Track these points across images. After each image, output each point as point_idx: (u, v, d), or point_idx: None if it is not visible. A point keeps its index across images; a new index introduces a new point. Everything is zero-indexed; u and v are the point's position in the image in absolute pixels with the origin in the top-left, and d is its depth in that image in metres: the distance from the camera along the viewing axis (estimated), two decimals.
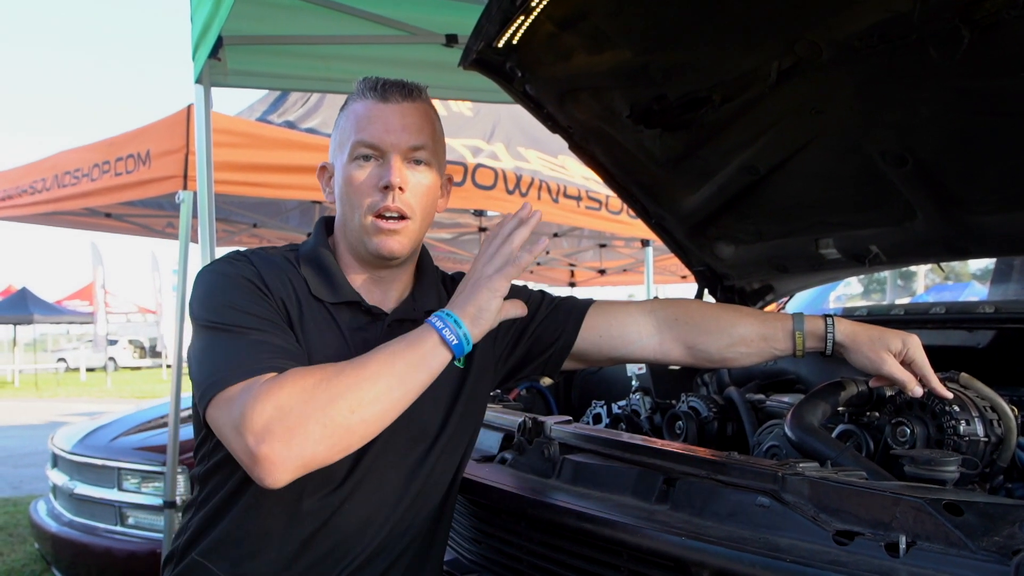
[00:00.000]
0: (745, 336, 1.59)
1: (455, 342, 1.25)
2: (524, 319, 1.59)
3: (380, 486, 1.37)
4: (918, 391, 1.50)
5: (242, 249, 1.44)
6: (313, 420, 1.14)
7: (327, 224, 1.53)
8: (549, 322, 1.61)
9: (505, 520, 1.61)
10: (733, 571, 1.15)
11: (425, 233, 1.49)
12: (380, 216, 1.38)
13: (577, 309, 1.62)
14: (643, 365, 2.45)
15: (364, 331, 1.42)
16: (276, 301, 1.34)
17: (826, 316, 1.58)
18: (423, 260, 1.56)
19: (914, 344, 1.52)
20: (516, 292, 1.65)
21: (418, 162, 1.41)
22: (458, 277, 1.63)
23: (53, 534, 4.10)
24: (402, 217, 1.40)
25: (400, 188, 1.37)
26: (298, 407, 1.14)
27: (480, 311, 1.27)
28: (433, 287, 1.54)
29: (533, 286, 1.75)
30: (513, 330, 1.60)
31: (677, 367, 2.54)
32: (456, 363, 1.48)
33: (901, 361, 1.52)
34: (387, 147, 1.38)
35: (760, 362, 1.62)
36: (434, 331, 1.25)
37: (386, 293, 1.48)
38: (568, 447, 1.63)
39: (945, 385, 1.54)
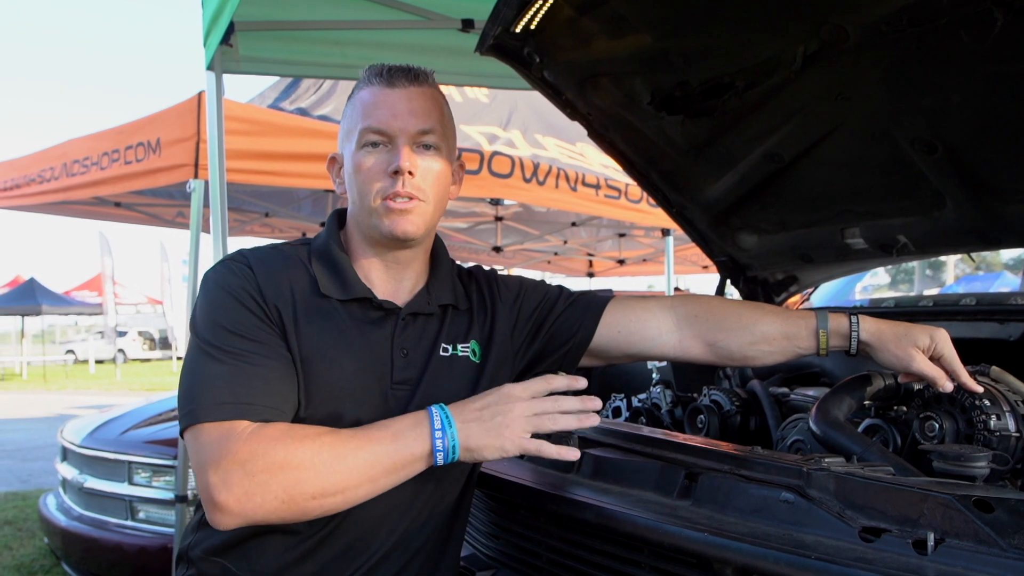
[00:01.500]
0: (767, 334, 1.56)
1: (439, 462, 1.25)
2: (542, 312, 1.59)
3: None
4: (948, 386, 1.47)
5: (247, 248, 1.44)
6: (273, 494, 1.17)
7: (339, 217, 1.52)
8: (567, 316, 1.59)
9: (524, 515, 1.60)
10: (757, 568, 1.12)
11: (439, 219, 1.48)
12: (390, 199, 1.37)
13: (596, 304, 1.60)
14: None
15: (377, 326, 1.41)
16: (271, 309, 1.32)
17: (851, 314, 1.54)
18: (437, 250, 1.54)
19: (942, 339, 1.49)
20: (534, 287, 1.63)
21: (427, 147, 1.40)
22: (476, 271, 1.62)
23: (63, 528, 4.11)
24: (412, 199, 1.38)
25: (410, 172, 1.36)
26: (263, 476, 1.17)
27: (480, 452, 1.26)
28: (448, 280, 1.52)
29: (550, 277, 1.73)
30: (532, 324, 1.58)
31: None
32: (473, 358, 1.46)
33: (930, 357, 1.48)
34: (395, 132, 1.37)
35: (783, 361, 1.60)
36: (429, 444, 1.23)
37: (400, 283, 1.46)
38: (588, 441, 1.61)
39: (975, 379, 1.50)
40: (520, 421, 1.23)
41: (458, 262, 1.63)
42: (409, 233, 1.39)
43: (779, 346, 1.56)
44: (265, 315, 1.31)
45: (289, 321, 1.33)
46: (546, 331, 1.58)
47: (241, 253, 1.40)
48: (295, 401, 1.30)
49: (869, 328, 1.52)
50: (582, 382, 1.30)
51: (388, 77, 1.40)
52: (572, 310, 1.60)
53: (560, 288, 1.65)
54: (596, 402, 1.29)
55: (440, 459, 1.23)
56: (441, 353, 1.44)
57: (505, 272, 1.69)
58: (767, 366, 1.62)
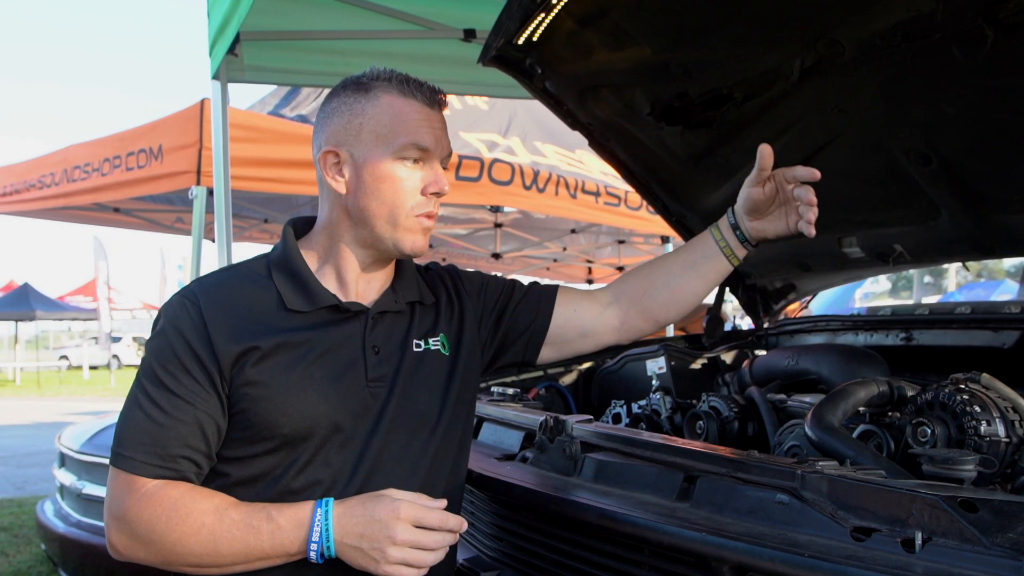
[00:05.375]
0: (678, 258, 1.66)
1: (313, 560, 1.28)
2: (502, 303, 1.64)
3: (387, 479, 1.37)
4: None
5: (206, 277, 1.46)
6: (152, 556, 1.29)
7: (295, 226, 1.53)
8: (525, 304, 1.65)
9: (527, 517, 1.63)
10: (752, 566, 1.16)
11: None
12: (420, 217, 1.43)
13: (549, 291, 1.68)
14: (663, 364, 2.45)
15: (346, 329, 1.43)
16: (209, 355, 1.33)
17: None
18: None
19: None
20: (494, 279, 1.69)
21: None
22: (433, 267, 1.66)
23: (61, 535, 4.09)
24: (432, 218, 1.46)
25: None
26: (144, 539, 1.28)
27: (352, 564, 1.28)
28: (412, 278, 1.56)
29: (545, 283, 1.77)
30: (494, 315, 1.63)
31: (687, 362, 2.54)
32: (443, 351, 1.51)
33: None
34: (437, 153, 1.43)
35: (707, 283, 1.65)
36: (304, 548, 1.27)
37: (370, 284, 1.50)
38: (589, 445, 1.64)
39: (966, 384, 1.54)
40: (395, 554, 1.25)
41: (417, 262, 1.67)
42: (424, 250, 1.46)
43: (692, 261, 1.64)
44: (196, 361, 1.33)
45: (247, 351, 1.34)
46: (507, 320, 1.63)
47: (193, 290, 1.41)
48: (209, 446, 1.34)
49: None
50: (464, 526, 1.33)
51: (430, 95, 1.44)
52: (528, 298, 1.66)
53: (514, 281, 1.71)
54: (463, 527, 1.33)
55: (313, 559, 1.28)
56: (414, 349, 1.48)
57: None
58: (698, 294, 1.67)
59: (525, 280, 1.73)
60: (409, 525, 1.26)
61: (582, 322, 1.66)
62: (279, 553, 1.28)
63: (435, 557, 1.28)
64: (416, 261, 1.63)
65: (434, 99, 1.44)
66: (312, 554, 1.27)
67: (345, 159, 1.43)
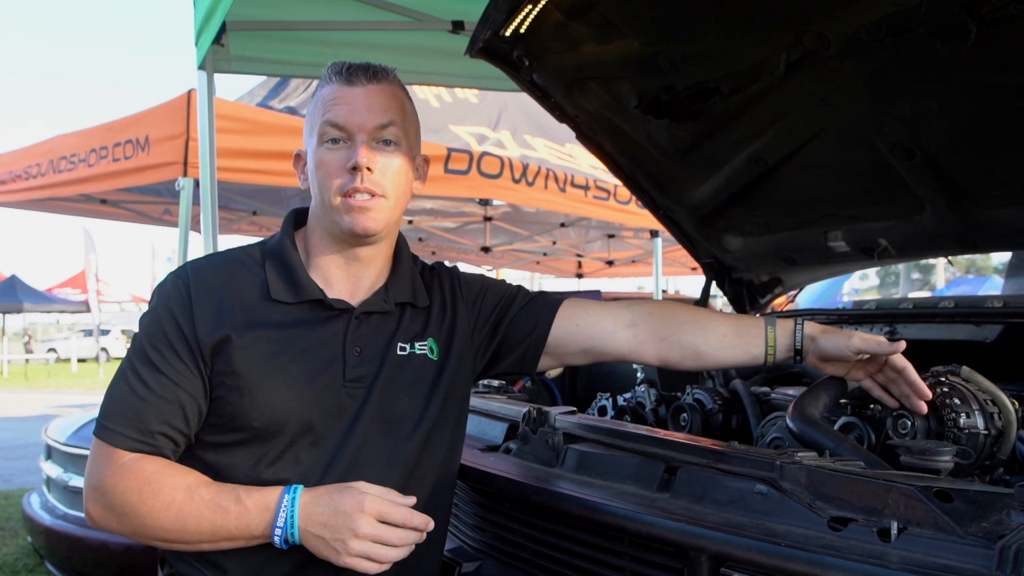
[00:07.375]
0: (719, 330, 1.61)
1: (278, 545, 1.30)
2: (500, 311, 1.61)
3: (361, 480, 1.36)
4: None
5: (200, 259, 1.48)
6: (124, 527, 1.32)
7: (296, 216, 1.54)
8: (524, 314, 1.61)
9: (509, 508, 1.63)
10: (730, 555, 1.17)
11: (401, 215, 1.50)
12: (349, 195, 1.39)
13: (552, 301, 1.64)
14: None
15: (329, 326, 1.42)
16: (193, 336, 1.35)
17: (795, 319, 1.61)
18: (399, 247, 1.56)
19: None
20: (495, 286, 1.66)
21: (387, 142, 1.41)
22: (438, 268, 1.64)
23: (47, 527, 4.07)
24: (372, 195, 1.40)
25: (368, 169, 1.38)
26: (117, 511, 1.31)
27: (314, 552, 1.29)
28: (408, 278, 1.53)
29: (539, 278, 1.76)
30: (490, 323, 1.60)
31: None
32: (431, 355, 1.49)
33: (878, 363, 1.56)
34: (353, 128, 1.39)
35: (735, 360, 1.62)
36: (269, 531, 1.29)
37: (359, 280, 1.48)
38: (572, 437, 1.64)
39: (947, 377, 1.55)
40: (356, 547, 1.26)
41: (423, 260, 1.65)
42: (370, 229, 1.40)
43: (730, 342, 1.59)
44: (183, 341, 1.35)
45: (225, 340, 1.35)
46: (503, 329, 1.60)
47: (186, 269, 1.43)
48: (188, 425, 1.36)
49: (812, 325, 1.58)
50: (431, 525, 1.33)
51: (347, 75, 1.41)
52: (529, 308, 1.62)
53: (519, 287, 1.68)
54: (430, 526, 1.33)
55: (277, 543, 1.29)
56: (398, 352, 1.46)
57: (493, 273, 1.71)
58: (720, 366, 1.64)
59: (522, 276, 1.71)
60: (372, 519, 1.27)
61: (587, 336, 1.61)
62: (244, 535, 1.29)
63: (398, 553, 1.28)
64: (425, 261, 1.64)
65: (354, 77, 1.41)
66: (276, 539, 1.28)
67: (303, 157, 1.49)
